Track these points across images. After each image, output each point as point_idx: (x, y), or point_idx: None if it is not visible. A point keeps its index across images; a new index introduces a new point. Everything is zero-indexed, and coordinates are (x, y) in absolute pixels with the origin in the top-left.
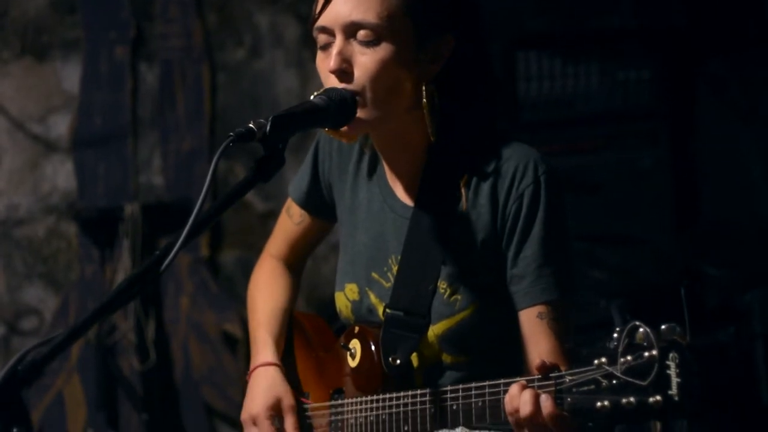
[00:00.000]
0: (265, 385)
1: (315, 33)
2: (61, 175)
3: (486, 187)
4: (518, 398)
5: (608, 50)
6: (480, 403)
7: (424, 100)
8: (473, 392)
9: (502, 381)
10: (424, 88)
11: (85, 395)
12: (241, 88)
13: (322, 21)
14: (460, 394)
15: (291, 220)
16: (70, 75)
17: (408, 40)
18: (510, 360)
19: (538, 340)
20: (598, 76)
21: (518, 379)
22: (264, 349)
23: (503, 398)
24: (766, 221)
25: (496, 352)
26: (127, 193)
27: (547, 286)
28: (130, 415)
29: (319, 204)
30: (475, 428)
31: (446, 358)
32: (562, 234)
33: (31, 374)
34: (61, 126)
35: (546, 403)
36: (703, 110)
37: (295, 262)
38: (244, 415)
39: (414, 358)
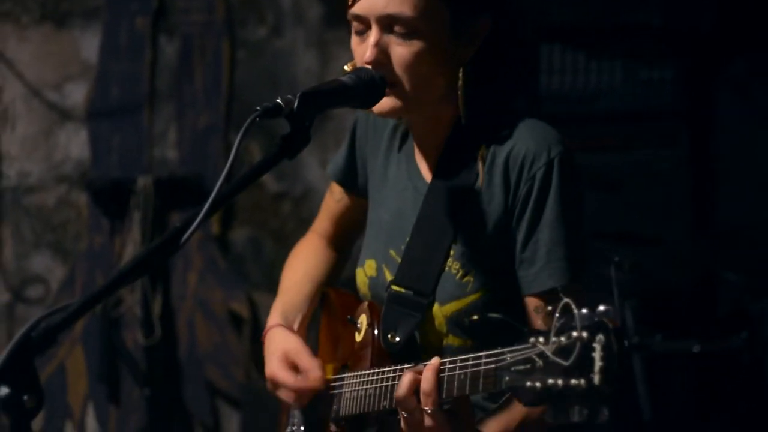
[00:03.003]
0: (272, 346)
1: (350, 18)
2: (75, 144)
3: (500, 167)
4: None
5: (633, 48)
6: (462, 376)
7: (460, 83)
8: (458, 365)
9: (483, 354)
10: (461, 72)
11: (87, 367)
12: (261, 66)
13: (358, 9)
14: (447, 366)
15: (332, 198)
16: (89, 44)
17: (445, 29)
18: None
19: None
20: (621, 74)
21: (491, 352)
22: (272, 316)
23: (482, 371)
24: None
25: (503, 338)
26: (140, 165)
27: (554, 271)
28: (132, 389)
29: (356, 182)
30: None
31: (453, 341)
32: (573, 219)
33: (44, 342)
34: (77, 95)
35: (427, 376)
36: (724, 111)
37: (338, 240)
38: (268, 384)
39: (419, 339)
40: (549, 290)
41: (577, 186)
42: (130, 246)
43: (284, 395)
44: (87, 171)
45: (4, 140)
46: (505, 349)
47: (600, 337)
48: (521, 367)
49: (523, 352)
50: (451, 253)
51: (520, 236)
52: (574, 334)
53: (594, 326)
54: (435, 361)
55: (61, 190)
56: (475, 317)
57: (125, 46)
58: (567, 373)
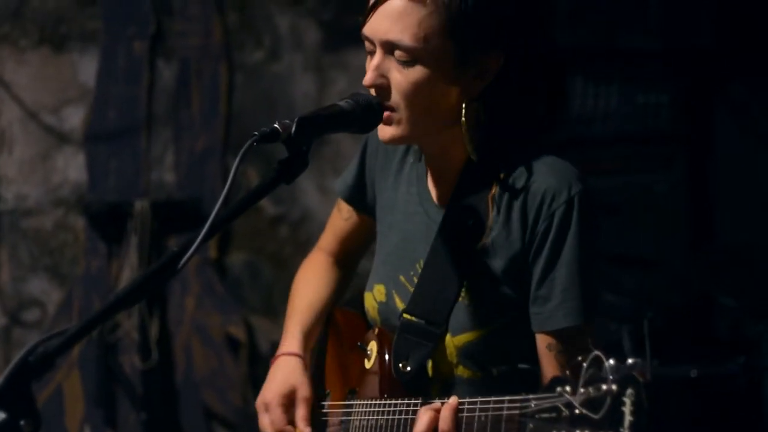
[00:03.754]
0: (283, 373)
1: (362, 37)
2: (72, 167)
3: (518, 202)
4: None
5: (630, 71)
6: (482, 418)
7: (463, 118)
8: (478, 406)
9: (506, 398)
10: (464, 105)
11: (84, 391)
12: (258, 89)
13: (366, 30)
14: (466, 407)
15: (340, 216)
16: (87, 67)
17: (447, 60)
18: (527, 381)
19: (546, 370)
20: (618, 97)
21: (515, 397)
22: (290, 339)
23: (505, 415)
24: None
25: (514, 372)
26: (137, 189)
27: (569, 311)
28: (129, 413)
29: (364, 201)
30: None
31: (463, 372)
32: (591, 258)
33: (42, 366)
34: (74, 118)
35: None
36: (721, 133)
37: (345, 258)
38: (258, 401)
39: (430, 369)
40: (562, 329)
41: (595, 225)
42: (128, 270)
43: (264, 425)
44: (84, 194)
45: (2, 163)
46: (530, 396)
47: (630, 391)
48: (546, 415)
49: (549, 400)
50: (465, 284)
51: (536, 273)
52: (604, 387)
53: (624, 379)
54: (453, 400)
55: (58, 214)
56: (504, 367)
57: (123, 69)
58: (596, 426)
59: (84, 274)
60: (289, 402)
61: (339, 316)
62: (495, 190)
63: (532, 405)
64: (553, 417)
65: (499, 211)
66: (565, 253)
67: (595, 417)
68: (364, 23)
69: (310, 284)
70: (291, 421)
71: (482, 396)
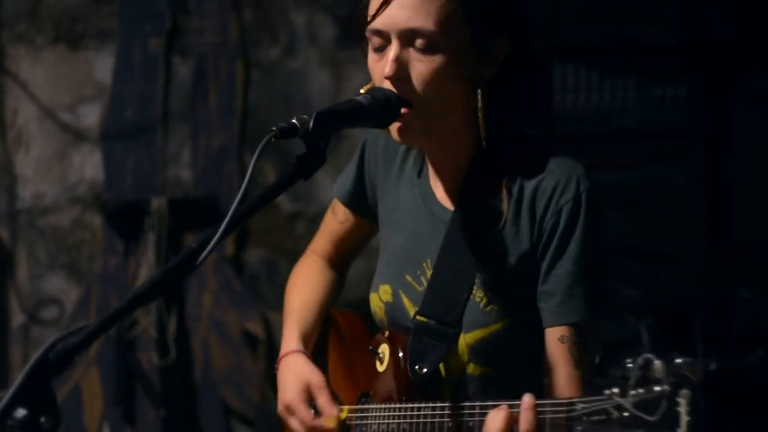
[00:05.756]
0: (292, 372)
1: (369, 34)
2: (89, 165)
3: (527, 198)
4: (489, 421)
5: (646, 66)
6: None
7: (480, 104)
8: (490, 411)
9: (517, 402)
10: (479, 92)
11: (103, 389)
12: (275, 86)
13: (378, 24)
14: (477, 411)
15: (335, 219)
16: (103, 65)
17: (466, 45)
18: (537, 377)
19: (558, 364)
20: (634, 92)
21: (558, 400)
22: (290, 339)
23: (548, 419)
24: None
25: (525, 368)
26: (154, 186)
27: (574, 307)
28: (147, 410)
29: (363, 204)
30: None
31: (473, 369)
32: (597, 254)
33: (61, 363)
34: (91, 116)
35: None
36: (739, 127)
37: (339, 261)
38: (280, 407)
39: (442, 368)
40: (567, 324)
41: (602, 222)
42: (145, 267)
43: (295, 427)
44: (101, 192)
45: (19, 162)
46: (575, 399)
47: (686, 391)
48: (596, 418)
49: (596, 403)
50: (476, 281)
51: (543, 269)
52: (658, 388)
53: (678, 380)
54: (531, 400)
55: (75, 212)
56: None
57: (139, 67)
58: (652, 428)
59: (101, 271)
60: (308, 397)
61: (338, 317)
62: (505, 186)
63: (578, 408)
64: (603, 419)
65: (510, 199)
66: (570, 248)
67: (651, 419)
68: (372, 19)
69: (306, 284)
70: (317, 412)
71: (494, 392)
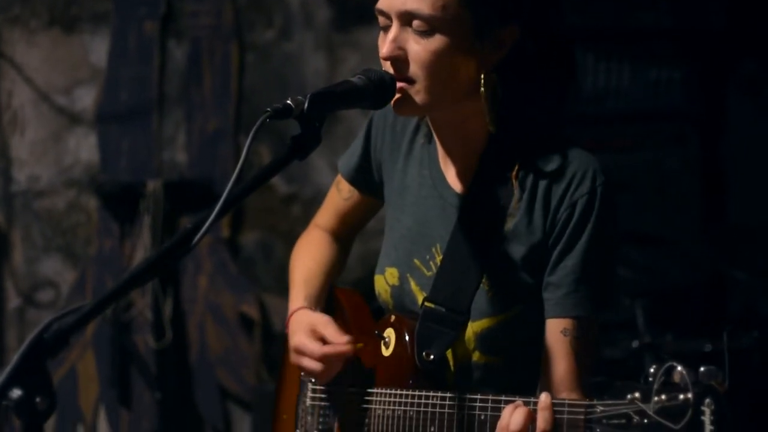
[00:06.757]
0: (300, 322)
1: (376, 12)
2: (84, 148)
3: (542, 188)
4: (508, 417)
5: (641, 49)
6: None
7: (482, 89)
8: (502, 405)
9: (532, 399)
10: (482, 77)
11: (98, 371)
12: (270, 69)
13: (380, 4)
14: (489, 405)
15: (339, 195)
16: (98, 48)
17: (465, 30)
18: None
19: (557, 357)
20: (629, 75)
21: (577, 402)
22: (296, 301)
23: (566, 419)
24: None
25: (530, 359)
26: (149, 169)
27: (579, 300)
28: (143, 393)
29: (369, 181)
30: None
31: (479, 358)
32: (607, 250)
33: (57, 343)
34: (86, 99)
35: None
36: (734, 111)
37: (343, 236)
38: (291, 354)
39: (448, 355)
40: (572, 317)
41: (614, 217)
42: (140, 250)
43: (309, 365)
44: (96, 175)
45: (14, 145)
46: (595, 401)
47: (709, 400)
48: (615, 422)
49: (618, 407)
50: (486, 270)
51: (552, 260)
52: (682, 396)
53: (703, 389)
54: (548, 399)
55: (70, 195)
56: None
57: (134, 50)
58: None
59: (97, 254)
60: (317, 336)
61: (341, 295)
62: (518, 170)
63: (598, 410)
64: (623, 423)
65: (523, 193)
66: (582, 242)
67: (675, 426)
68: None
69: (310, 256)
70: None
71: (500, 381)
